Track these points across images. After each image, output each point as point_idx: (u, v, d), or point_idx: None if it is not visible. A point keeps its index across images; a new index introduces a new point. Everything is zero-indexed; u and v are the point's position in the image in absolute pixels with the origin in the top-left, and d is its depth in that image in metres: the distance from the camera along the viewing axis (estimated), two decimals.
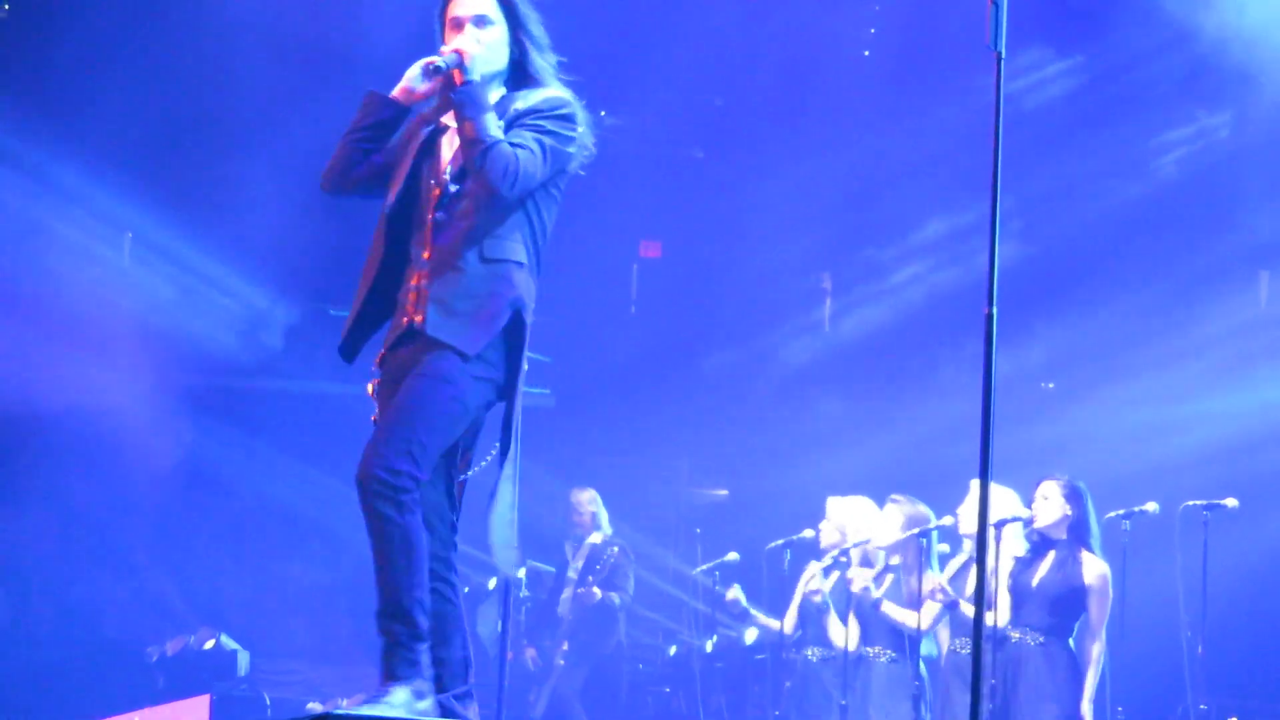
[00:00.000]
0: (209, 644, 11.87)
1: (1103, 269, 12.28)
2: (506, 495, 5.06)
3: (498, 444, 5.06)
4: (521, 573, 11.65)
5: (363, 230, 5.15)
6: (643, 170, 12.92)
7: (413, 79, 5.07)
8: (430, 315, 4.89)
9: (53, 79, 11.89)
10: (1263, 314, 11.99)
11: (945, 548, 9.17)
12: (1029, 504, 8.49)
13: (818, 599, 9.57)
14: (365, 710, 4.64)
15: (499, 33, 5.06)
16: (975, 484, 7.54)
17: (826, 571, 9.71)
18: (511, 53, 5.09)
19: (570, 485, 11.74)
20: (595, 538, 11.49)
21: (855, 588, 9.12)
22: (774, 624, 10.11)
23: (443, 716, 4.94)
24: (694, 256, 13.89)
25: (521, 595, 11.63)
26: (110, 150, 11.78)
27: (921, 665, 9.02)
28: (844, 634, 9.32)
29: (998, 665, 8.27)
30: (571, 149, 5.05)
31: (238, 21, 11.46)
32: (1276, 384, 11.23)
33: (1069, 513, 8.38)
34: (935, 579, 8.79)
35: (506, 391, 4.96)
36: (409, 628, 4.77)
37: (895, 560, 9.28)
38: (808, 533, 9.96)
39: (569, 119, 5.04)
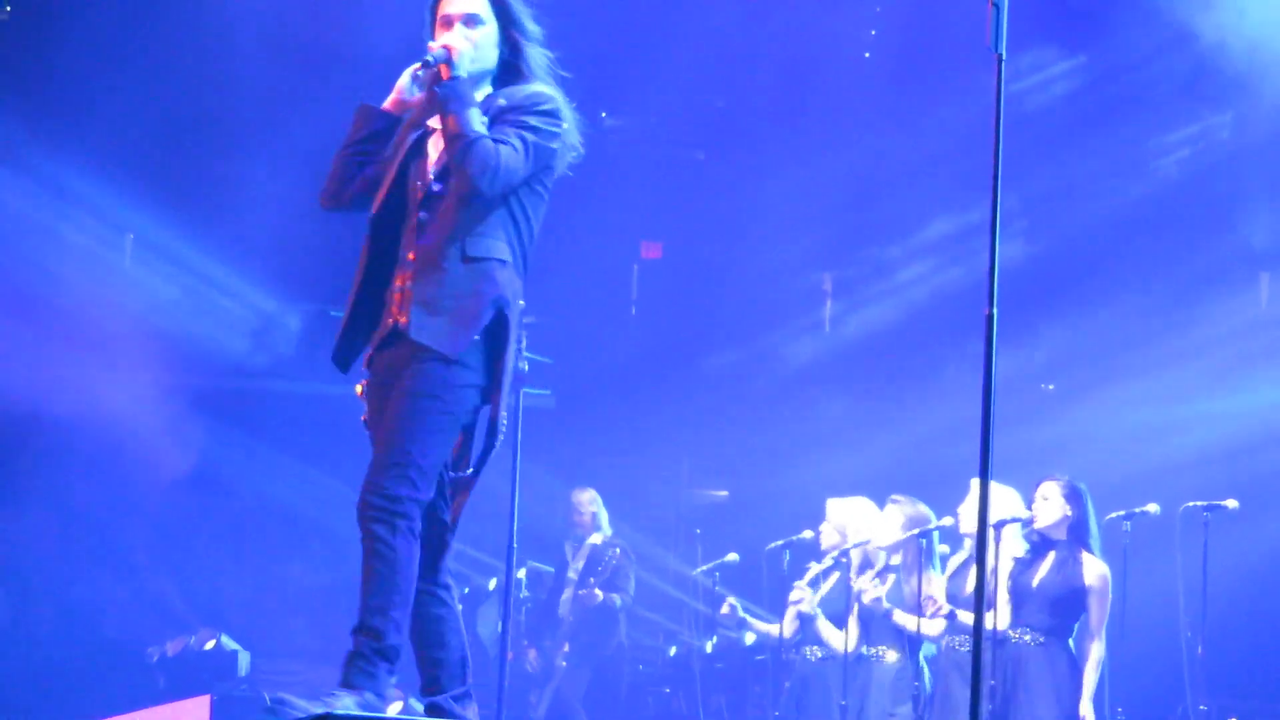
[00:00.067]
0: (209, 644, 11.87)
1: (1103, 270, 12.28)
2: None
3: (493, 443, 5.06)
4: (522, 573, 11.66)
5: (363, 231, 5.15)
6: (643, 171, 12.93)
7: (404, 88, 5.10)
8: (413, 316, 4.90)
9: (54, 80, 11.89)
10: (1263, 315, 11.99)
11: (945, 548, 9.17)
12: (1029, 504, 8.49)
13: (805, 609, 9.58)
14: (317, 709, 4.64)
15: (489, 32, 5.06)
16: (976, 484, 7.54)
17: (827, 573, 9.72)
18: (502, 52, 5.10)
19: (570, 485, 11.74)
20: (595, 538, 11.49)
21: (867, 599, 9.12)
22: (773, 629, 10.12)
23: (440, 718, 4.96)
24: (694, 257, 13.89)
25: (522, 596, 11.63)
26: (111, 151, 11.79)
27: (923, 665, 9.02)
28: (839, 638, 9.33)
29: (998, 665, 8.27)
30: (556, 145, 5.03)
31: (238, 22, 11.46)
32: (1277, 385, 11.23)
33: (1069, 513, 8.38)
34: (937, 582, 8.79)
35: (490, 392, 4.95)
36: (376, 642, 4.79)
37: (896, 560, 9.29)
38: (807, 533, 9.96)
39: (553, 115, 5.03)
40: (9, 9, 12.20)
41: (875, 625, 9.15)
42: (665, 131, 13.16)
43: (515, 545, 7.74)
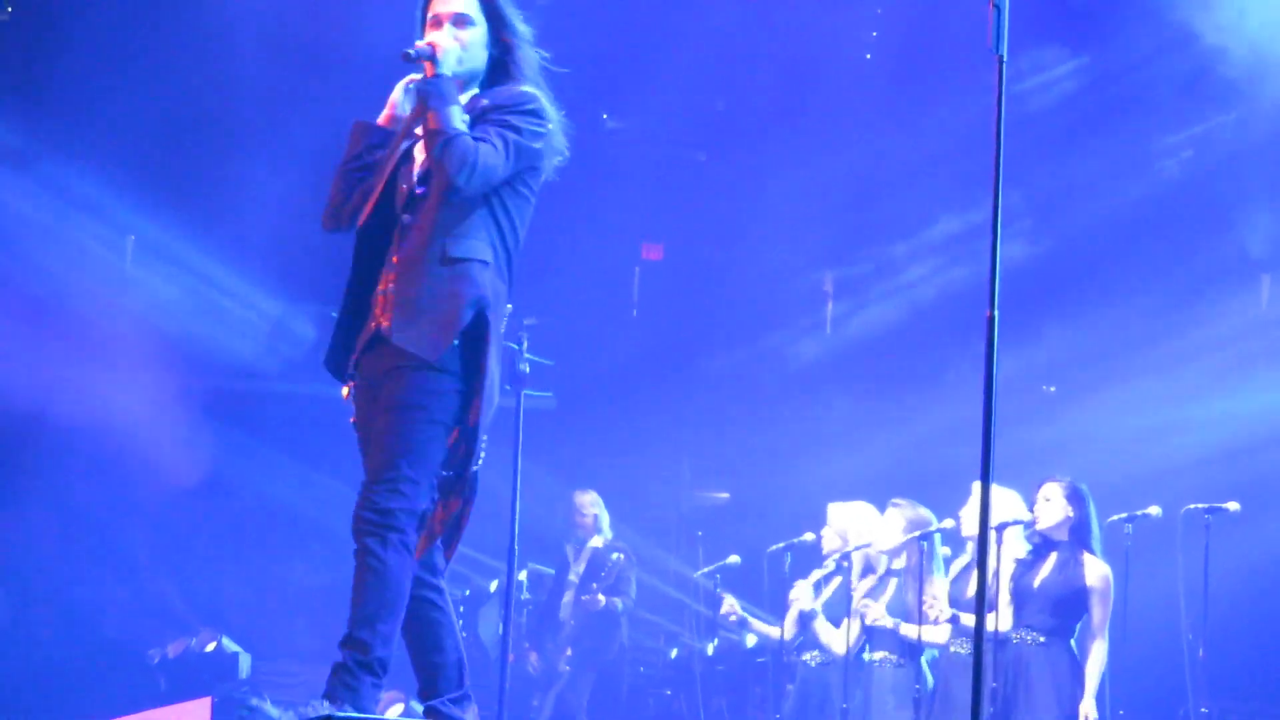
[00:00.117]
0: (210, 646, 11.88)
1: (1104, 271, 12.27)
2: None
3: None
4: (523, 575, 11.66)
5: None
6: (645, 172, 12.93)
7: (397, 101, 5.11)
8: (395, 320, 4.90)
9: (55, 81, 11.90)
10: (1264, 317, 11.98)
11: (948, 551, 9.17)
12: (1031, 506, 8.49)
13: (805, 608, 9.57)
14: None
15: (478, 33, 5.07)
16: (977, 486, 7.53)
17: (828, 579, 9.71)
18: (492, 52, 5.10)
19: (571, 487, 11.73)
20: (596, 541, 11.48)
21: (869, 620, 9.10)
22: (773, 631, 10.11)
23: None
24: (696, 259, 13.89)
25: (523, 598, 11.63)
26: (112, 152, 11.79)
27: (925, 668, 9.01)
28: (838, 639, 9.32)
29: (999, 667, 8.27)
30: (538, 145, 5.02)
31: (239, 22, 11.46)
32: (1277, 387, 11.22)
33: (1070, 514, 8.38)
34: (939, 584, 8.78)
35: (470, 395, 4.92)
36: (361, 655, 4.78)
37: (898, 564, 9.28)
38: (808, 536, 9.96)
39: (537, 115, 5.02)
40: (10, 10, 12.20)
41: (877, 631, 9.14)
42: (666, 133, 13.16)
43: (516, 547, 7.74)
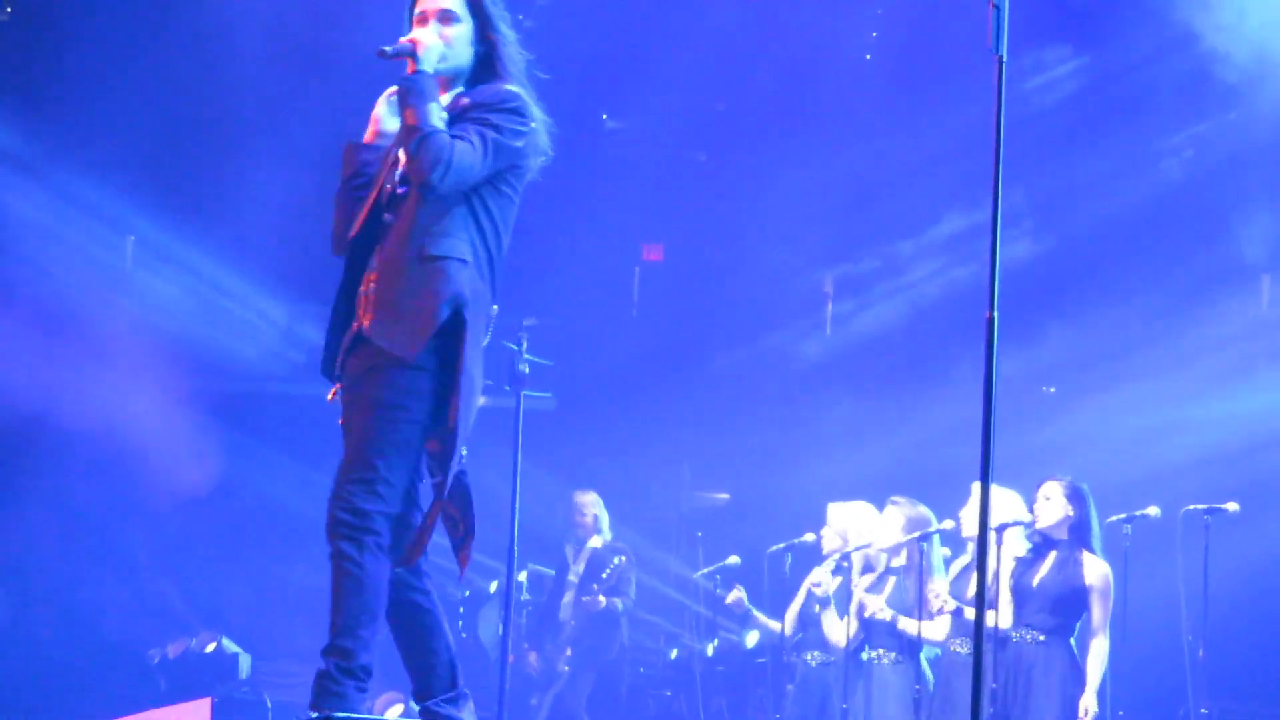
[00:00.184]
0: (210, 647, 11.88)
1: (1105, 271, 12.27)
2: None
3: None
4: (523, 576, 11.66)
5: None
6: (645, 173, 12.93)
7: (381, 116, 5.11)
8: (374, 319, 4.89)
9: (55, 82, 11.90)
10: (1264, 318, 11.98)
11: (947, 551, 9.17)
12: (1031, 505, 8.49)
13: (820, 591, 9.56)
14: None
15: (463, 29, 5.05)
16: (977, 487, 7.54)
17: (831, 575, 9.71)
18: (477, 50, 5.08)
19: (571, 488, 11.73)
20: (596, 541, 11.48)
21: (868, 613, 9.11)
22: (776, 625, 10.10)
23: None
24: (696, 260, 13.89)
25: (523, 599, 11.63)
26: (112, 152, 11.79)
27: (925, 667, 9.01)
28: (841, 630, 9.33)
29: (999, 666, 8.27)
30: (519, 144, 4.98)
31: (239, 22, 11.47)
32: (1277, 388, 11.22)
33: (1070, 513, 8.39)
34: (940, 582, 8.79)
35: (446, 394, 4.87)
36: (345, 662, 4.77)
37: (897, 563, 9.29)
38: (809, 536, 9.96)
39: (518, 114, 4.98)
40: (9, 10, 12.20)
41: (876, 628, 9.15)
42: (666, 133, 13.15)
43: (516, 548, 7.74)
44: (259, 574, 12.89)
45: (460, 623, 12.34)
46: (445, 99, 5.01)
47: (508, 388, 8.11)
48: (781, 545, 10.09)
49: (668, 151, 13.34)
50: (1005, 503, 8.49)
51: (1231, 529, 8.99)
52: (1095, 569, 8.30)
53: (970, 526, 8.53)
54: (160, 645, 12.09)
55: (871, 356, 13.17)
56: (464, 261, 4.90)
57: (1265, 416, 10.98)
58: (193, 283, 12.56)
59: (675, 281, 13.96)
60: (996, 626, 8.26)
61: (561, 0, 11.94)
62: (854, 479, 10.98)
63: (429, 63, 4.93)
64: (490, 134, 4.90)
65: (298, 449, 12.18)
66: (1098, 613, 8.27)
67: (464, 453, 4.91)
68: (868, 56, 12.58)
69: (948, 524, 8.89)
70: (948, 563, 9.10)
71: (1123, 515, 8.58)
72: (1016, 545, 8.53)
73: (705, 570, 11.24)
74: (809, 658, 9.62)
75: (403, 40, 4.96)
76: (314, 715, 4.72)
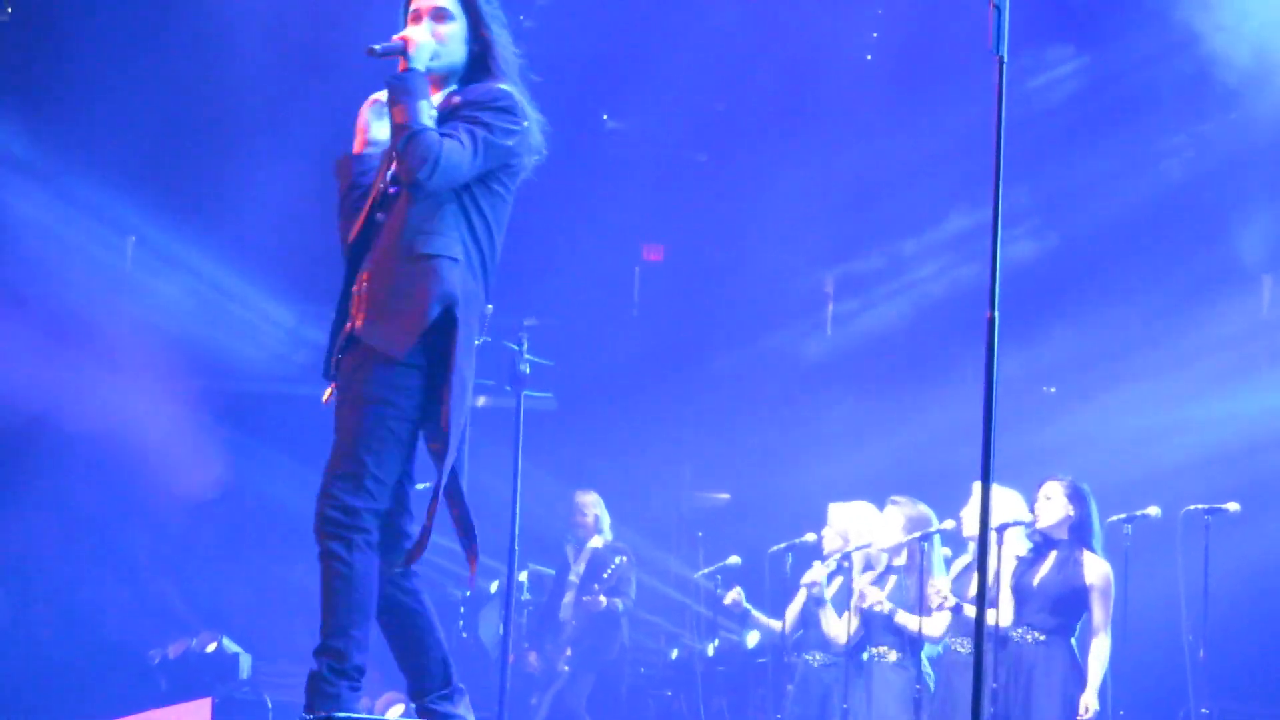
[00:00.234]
0: (211, 647, 11.88)
1: (1106, 272, 12.27)
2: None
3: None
4: (524, 576, 11.66)
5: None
6: (645, 174, 12.94)
7: (366, 125, 5.09)
8: (365, 317, 4.88)
9: (56, 83, 11.90)
10: (1265, 319, 11.98)
11: (948, 551, 9.17)
12: (1032, 505, 8.49)
13: (815, 590, 9.56)
14: None
15: (456, 28, 5.02)
16: (978, 487, 7.54)
17: (830, 578, 9.71)
18: (471, 49, 5.05)
19: (572, 488, 11.73)
20: (596, 542, 11.48)
21: (867, 603, 9.11)
22: (775, 624, 10.10)
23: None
24: (696, 260, 13.90)
25: (523, 599, 11.63)
26: (113, 153, 11.79)
27: (926, 665, 9.01)
28: (840, 628, 9.35)
29: (1000, 665, 8.27)
30: (510, 142, 4.94)
31: (241, 22, 11.46)
32: (1278, 388, 11.22)
33: (1071, 513, 8.39)
34: (940, 581, 8.79)
35: (438, 392, 4.85)
36: (337, 663, 4.76)
37: (898, 562, 9.29)
38: (809, 536, 9.96)
39: (509, 112, 4.95)
40: (10, 10, 12.20)
41: (877, 627, 9.15)
42: (667, 134, 13.15)
43: (517, 548, 7.74)
44: (260, 574, 12.89)
45: (461, 623, 12.34)
46: (438, 98, 4.99)
47: (508, 388, 8.11)
48: (782, 545, 10.10)
49: (668, 152, 13.34)
50: (1006, 502, 8.49)
51: (1232, 529, 8.99)
52: (1096, 568, 8.30)
53: (971, 526, 8.53)
54: (161, 645, 12.10)
55: (872, 357, 13.17)
56: (455, 260, 4.87)
57: (1266, 416, 10.98)
58: (194, 283, 12.55)
59: (676, 282, 13.96)
60: (997, 625, 8.27)
61: (561, 0, 11.94)
62: (855, 479, 10.98)
63: (420, 61, 4.90)
64: (480, 132, 4.87)
65: (298, 449, 12.16)
66: (1098, 612, 8.27)
67: (454, 453, 4.87)
68: (868, 57, 12.58)
69: (949, 524, 8.89)
70: (948, 562, 9.10)
71: (1123, 515, 8.58)
72: (1017, 545, 8.53)
73: (706, 570, 11.24)
74: (810, 658, 9.62)
75: (395, 38, 4.94)
76: (310, 717, 4.71)
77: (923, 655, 9.02)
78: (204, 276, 12.52)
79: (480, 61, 5.05)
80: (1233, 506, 8.70)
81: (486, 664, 11.65)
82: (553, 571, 11.86)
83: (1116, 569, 8.38)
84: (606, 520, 11.56)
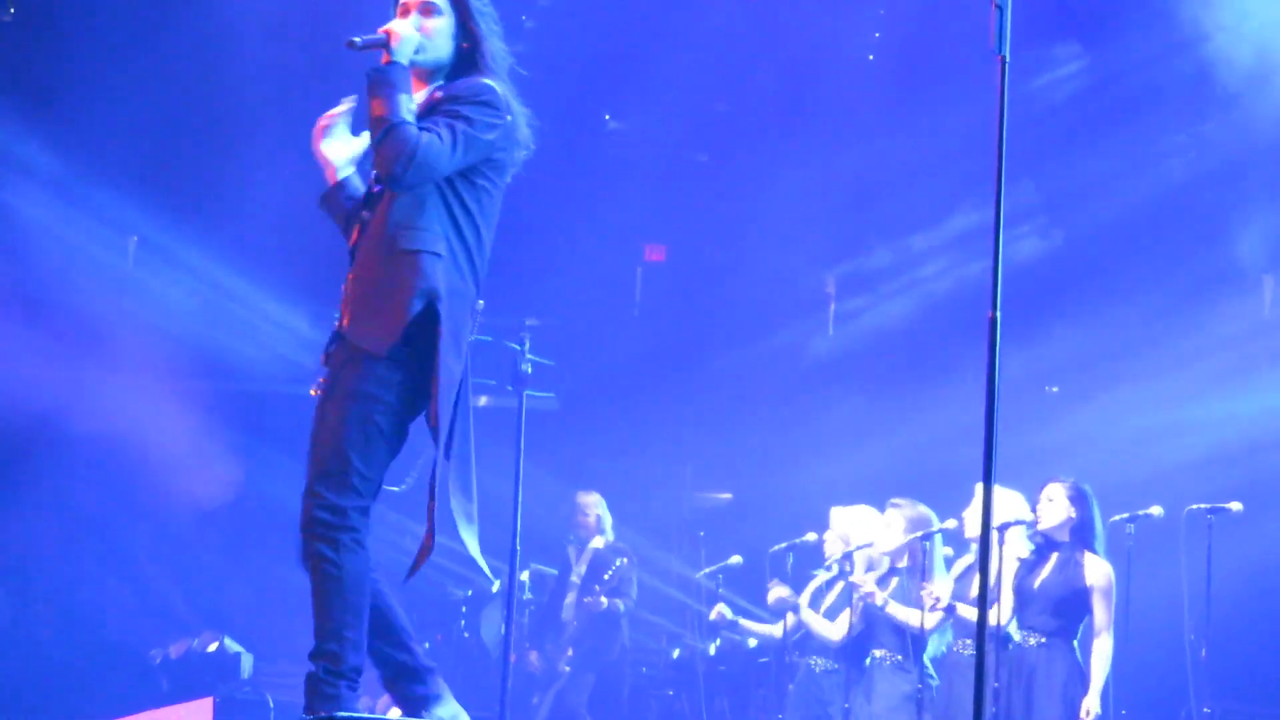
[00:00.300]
0: (212, 647, 11.88)
1: (1107, 272, 12.27)
2: (459, 504, 4.92)
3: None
4: (525, 575, 11.65)
5: None
6: (647, 174, 12.93)
7: (327, 156, 5.06)
8: (350, 314, 4.87)
9: (57, 83, 11.90)
10: (1267, 319, 11.98)
11: (949, 551, 9.17)
12: (1034, 507, 8.49)
13: (792, 599, 9.61)
14: None
15: (444, 23, 4.97)
16: (980, 488, 7.53)
17: (831, 583, 9.73)
18: (459, 45, 4.99)
19: (573, 488, 11.73)
20: (598, 542, 11.48)
21: (862, 590, 9.11)
22: (763, 628, 10.13)
23: (416, 706, 4.96)
24: (698, 260, 13.89)
25: (525, 598, 11.63)
26: (115, 153, 11.79)
27: (929, 666, 9.01)
28: (829, 626, 9.38)
29: (1001, 666, 8.27)
30: (491, 136, 4.87)
31: (242, 22, 11.46)
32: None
33: (1073, 515, 8.38)
34: (941, 583, 8.79)
35: (425, 388, 4.81)
36: (334, 665, 4.74)
37: (901, 564, 9.29)
38: (811, 536, 9.97)
39: (489, 105, 4.87)
40: (12, 11, 12.21)
41: (880, 629, 9.14)
42: (668, 134, 13.15)
43: (518, 548, 7.74)
44: (261, 574, 12.88)
45: (463, 622, 12.34)
46: (423, 94, 4.95)
47: (510, 388, 8.11)
48: (783, 545, 10.11)
49: (670, 152, 13.34)
50: (1008, 503, 8.49)
51: (1234, 529, 8.99)
52: (1097, 569, 8.30)
53: (973, 527, 8.53)
54: (162, 645, 12.10)
55: (874, 357, 13.17)
56: (438, 255, 4.82)
57: (1268, 417, 10.99)
58: (196, 284, 12.55)
59: (677, 282, 13.96)
60: (999, 625, 8.26)
61: (563, 0, 11.94)
62: (856, 479, 10.99)
63: (403, 54, 4.86)
64: (461, 126, 4.80)
65: (299, 449, 12.17)
66: (1100, 613, 8.26)
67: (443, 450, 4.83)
68: (870, 57, 12.57)
69: (950, 523, 8.89)
70: (949, 562, 9.10)
71: (1126, 515, 8.58)
72: (1019, 545, 8.53)
73: (707, 570, 11.24)
74: (813, 662, 9.63)
75: (379, 31, 4.90)
76: (310, 718, 4.70)
77: (925, 659, 9.01)
78: (206, 277, 12.52)
79: (468, 58, 4.99)
80: (1235, 506, 8.70)
81: (488, 663, 11.65)
82: (555, 571, 11.86)
83: (1119, 569, 8.38)
84: (608, 521, 11.56)
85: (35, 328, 11.75)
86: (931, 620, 8.75)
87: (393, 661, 4.96)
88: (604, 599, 11.16)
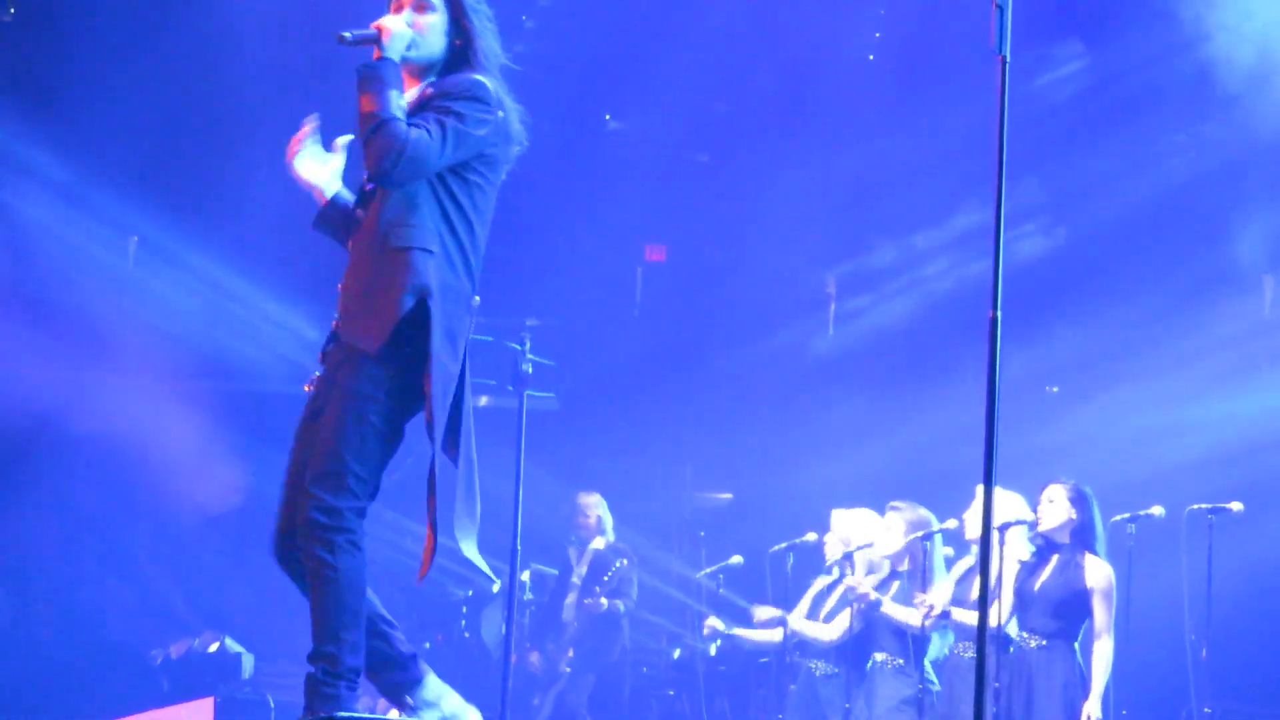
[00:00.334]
0: (213, 647, 11.87)
1: (1108, 272, 12.27)
2: (463, 506, 4.91)
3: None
4: (526, 576, 11.65)
5: None
6: (647, 174, 12.93)
7: (308, 178, 5.04)
8: (343, 313, 4.86)
9: (58, 83, 11.90)
10: (1267, 319, 11.98)
11: (950, 551, 9.17)
12: (1034, 509, 8.48)
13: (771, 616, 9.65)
14: None
15: (437, 19, 4.94)
16: (981, 489, 7.53)
17: (831, 587, 9.74)
18: (451, 42, 4.96)
19: (573, 488, 11.73)
20: (599, 543, 11.48)
21: (858, 591, 9.10)
22: (762, 636, 10.13)
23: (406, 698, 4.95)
24: (698, 260, 13.89)
25: (525, 599, 11.63)
26: (116, 153, 11.79)
27: (929, 669, 9.01)
28: (824, 629, 9.38)
29: (1002, 668, 8.26)
30: (482, 132, 4.83)
31: (242, 22, 11.46)
32: None
33: (1074, 516, 8.37)
34: (941, 586, 8.79)
35: (419, 386, 4.78)
36: (332, 667, 4.73)
37: (902, 567, 9.28)
38: (811, 536, 9.97)
39: (480, 101, 4.84)
40: (12, 11, 12.21)
41: (879, 631, 9.14)
42: (669, 134, 13.15)
43: (519, 548, 7.74)
44: (262, 574, 12.85)
45: (463, 622, 12.34)
46: (414, 91, 4.92)
47: (510, 388, 8.11)
48: (784, 545, 10.11)
49: (670, 152, 13.34)
50: (1008, 505, 8.48)
51: (1235, 529, 8.99)
52: (1097, 571, 8.29)
53: (974, 528, 8.53)
54: (163, 645, 12.10)
55: (874, 357, 13.17)
56: (429, 252, 4.79)
57: (1268, 417, 10.98)
58: (196, 284, 12.54)
59: (678, 282, 13.96)
60: (999, 625, 8.25)
61: (563, 0, 11.94)
62: (857, 479, 10.99)
63: (395, 50, 4.83)
64: (451, 122, 4.77)
65: None
66: (1100, 615, 8.24)
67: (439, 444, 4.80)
68: (870, 57, 12.57)
69: (951, 523, 8.89)
70: (950, 562, 9.10)
71: (1126, 515, 8.58)
72: (1019, 545, 8.53)
73: (708, 570, 11.24)
74: (813, 666, 9.62)
75: (371, 26, 4.87)
76: (311, 718, 4.70)
77: (926, 662, 9.01)
78: (206, 277, 12.51)
79: (461, 55, 4.95)
80: (1236, 506, 8.70)
81: (489, 664, 11.65)
82: (555, 572, 11.86)
83: (1120, 569, 8.37)
84: (609, 521, 11.56)
85: (35, 328, 11.74)
86: (929, 622, 8.75)
87: (371, 650, 4.93)
88: (604, 600, 11.16)
